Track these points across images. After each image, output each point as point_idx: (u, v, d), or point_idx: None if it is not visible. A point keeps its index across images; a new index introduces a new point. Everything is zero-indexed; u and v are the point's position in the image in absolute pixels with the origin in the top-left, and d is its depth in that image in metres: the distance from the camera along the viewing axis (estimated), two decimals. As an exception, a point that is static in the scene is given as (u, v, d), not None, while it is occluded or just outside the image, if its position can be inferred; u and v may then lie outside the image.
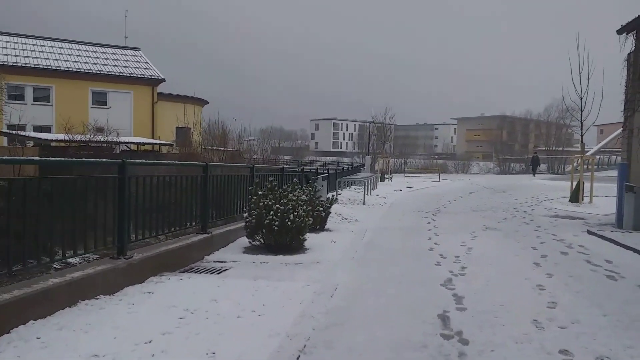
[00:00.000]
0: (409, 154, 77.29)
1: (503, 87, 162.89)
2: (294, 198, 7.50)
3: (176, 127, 35.36)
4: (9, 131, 21.88)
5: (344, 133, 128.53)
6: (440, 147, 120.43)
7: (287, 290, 5.00)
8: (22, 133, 24.17)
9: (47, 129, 33.24)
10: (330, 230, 9.78)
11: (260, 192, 7.36)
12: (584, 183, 16.51)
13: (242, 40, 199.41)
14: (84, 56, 36.52)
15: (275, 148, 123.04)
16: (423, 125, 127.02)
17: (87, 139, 23.94)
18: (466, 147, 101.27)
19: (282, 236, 7.14)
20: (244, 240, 7.65)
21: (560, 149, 72.40)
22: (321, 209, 9.57)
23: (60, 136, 24.08)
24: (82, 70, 34.66)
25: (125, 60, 38.42)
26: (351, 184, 17.92)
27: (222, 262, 6.69)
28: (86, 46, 38.60)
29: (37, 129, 32.05)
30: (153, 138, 36.14)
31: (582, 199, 16.44)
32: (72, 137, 23.15)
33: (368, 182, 18.30)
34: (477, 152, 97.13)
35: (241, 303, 4.52)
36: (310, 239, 8.34)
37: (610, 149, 52.97)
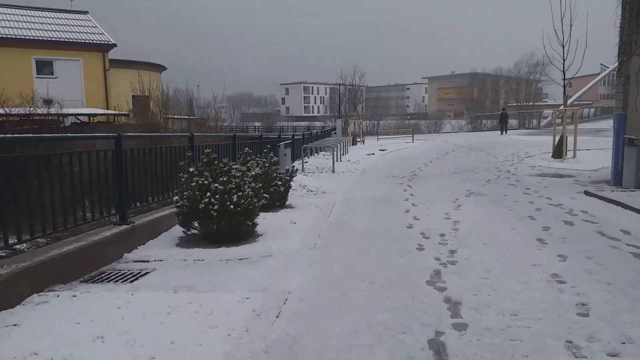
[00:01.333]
0: (381, 115, 75.97)
1: (474, 44, 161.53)
2: (238, 174, 5.94)
3: (132, 96, 32.89)
4: None
5: (315, 97, 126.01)
6: (412, 107, 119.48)
7: (216, 310, 3.53)
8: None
9: (-12, 104, 30.29)
10: (292, 207, 8.31)
11: (191, 169, 5.76)
12: (567, 137, 15.42)
13: (203, 1, 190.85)
14: (25, 22, 33.28)
15: (246, 115, 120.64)
16: (394, 85, 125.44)
17: (27, 112, 21.61)
18: (438, 106, 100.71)
19: (224, 223, 5.63)
20: (180, 229, 6.11)
21: (531, 104, 72.63)
22: (280, 182, 8.05)
23: (-4, 110, 21.66)
24: (23, 37, 31.54)
25: (72, 25, 35.25)
26: (320, 150, 16.44)
27: (144, 261, 5.16)
28: (27, 11, 35.19)
29: (-25, 103, 29.26)
30: (107, 108, 33.61)
31: (566, 154, 15.38)
32: (10, 110, 20.83)
33: (338, 147, 16.81)
34: (449, 110, 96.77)
35: (139, 340, 3.03)
36: (266, 220, 6.87)
37: (582, 102, 52.69)
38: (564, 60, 15.29)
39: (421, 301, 3.76)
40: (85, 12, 38.29)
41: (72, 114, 26.26)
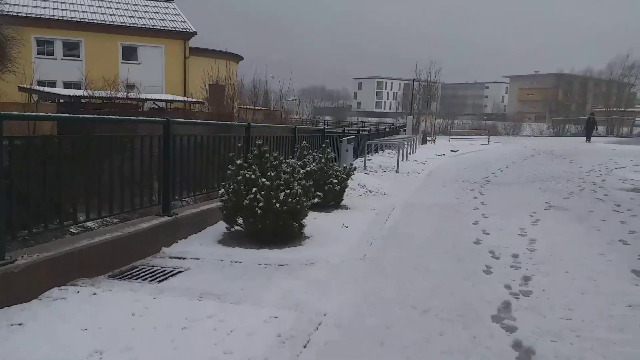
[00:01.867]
0: (456, 114, 73.22)
1: (561, 42, 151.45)
2: (288, 169, 5.46)
3: (209, 85, 33.71)
4: (23, 86, 20.82)
5: (388, 92, 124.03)
6: (490, 107, 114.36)
7: (237, 329, 3.05)
8: (38, 88, 23.02)
9: (77, 85, 32.33)
10: (347, 208, 7.74)
11: (239, 161, 5.35)
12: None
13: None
14: (114, 8, 34.99)
15: (317, 108, 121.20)
16: (473, 84, 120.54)
17: (109, 96, 22.60)
18: (518, 107, 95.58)
19: (269, 222, 5.17)
20: (224, 225, 5.73)
21: (622, 109, 67.01)
22: (335, 181, 7.49)
23: (79, 92, 22.85)
24: (112, 23, 33.22)
25: (157, 13, 36.69)
26: (385, 148, 15.69)
27: (181, 258, 4.81)
28: (114, -4, 36.99)
29: (67, 85, 31.20)
30: (185, 95, 34.66)
31: (667, 169, 13.59)
32: (92, 93, 21.86)
33: (405, 145, 15.98)
34: (530, 112, 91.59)
35: (141, 362, 2.61)
36: (317, 220, 6.36)
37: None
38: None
39: (484, 344, 3.06)
40: (171, 0, 39.58)
41: (149, 99, 27.21)
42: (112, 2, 35.91)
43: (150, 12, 36.57)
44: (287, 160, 7.54)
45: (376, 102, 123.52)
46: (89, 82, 22.83)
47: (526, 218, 7.33)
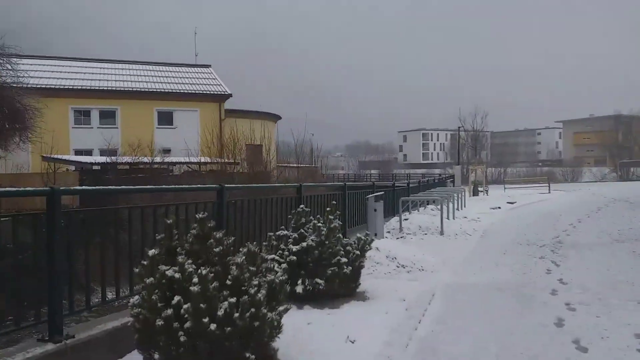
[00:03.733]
0: (508, 162, 69.57)
1: (615, 83, 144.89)
2: (247, 258, 3.33)
3: (245, 144, 32.82)
4: (46, 155, 20.27)
5: (434, 143, 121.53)
6: (544, 153, 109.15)
7: None
8: (62, 157, 22.48)
9: (113, 152, 32.11)
10: (365, 298, 5.43)
11: (152, 251, 3.29)
12: None
13: (321, 57, 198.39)
14: (150, 76, 35.39)
15: (363, 163, 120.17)
16: (523, 130, 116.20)
17: (135, 161, 21.67)
18: (575, 152, 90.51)
19: (203, 356, 3.00)
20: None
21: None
22: (345, 260, 5.26)
23: (102, 159, 22.12)
24: (146, 90, 33.37)
25: (192, 78, 36.86)
26: (428, 204, 13.30)
27: None
28: (153, 66, 37.63)
29: (103, 152, 31.11)
30: (221, 157, 33.84)
31: None
32: (116, 159, 21.02)
33: (452, 199, 13.52)
34: (588, 157, 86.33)
35: None
36: (311, 327, 4.17)
37: None
38: None
39: None
40: (208, 66, 39.91)
41: (176, 162, 26.29)
42: (149, 70, 36.51)
43: (186, 77, 36.80)
44: (277, 234, 5.46)
45: (423, 153, 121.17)
46: (125, 149, 22.29)
47: (636, 310, 4.76)
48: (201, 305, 2.98)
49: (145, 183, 16.01)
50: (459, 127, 34.60)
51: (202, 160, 30.51)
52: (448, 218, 11.56)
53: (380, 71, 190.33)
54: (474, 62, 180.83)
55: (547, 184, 27.00)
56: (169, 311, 3.00)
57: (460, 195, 16.07)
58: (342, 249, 5.36)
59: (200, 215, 3.57)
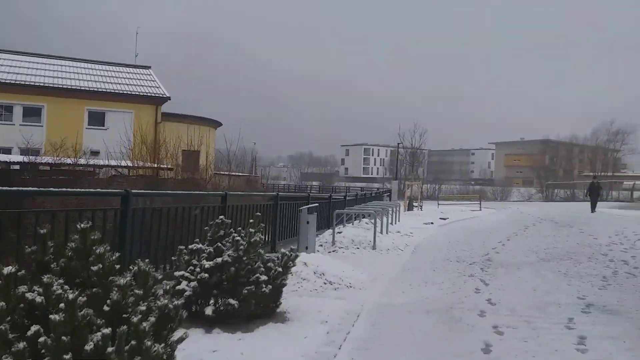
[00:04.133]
0: (443, 179, 72.00)
1: (544, 110, 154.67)
2: (136, 279, 2.79)
3: (183, 150, 31.57)
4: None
5: (375, 158, 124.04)
6: (477, 172, 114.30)
7: None
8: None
9: (35, 152, 29.84)
10: (285, 320, 4.96)
11: (34, 257, 2.70)
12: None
13: (266, 66, 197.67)
14: (83, 74, 33.35)
15: (305, 174, 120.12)
16: (458, 150, 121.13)
17: (57, 162, 20.07)
18: (505, 173, 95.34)
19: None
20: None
21: (610, 174, 67.14)
22: (264, 278, 4.78)
23: (19, 158, 20.40)
24: (77, 88, 31.38)
25: (129, 79, 35.13)
26: (363, 217, 13.10)
27: None
28: (87, 64, 35.55)
29: (23, 151, 28.83)
30: (155, 161, 32.36)
31: None
32: (35, 159, 19.39)
33: (387, 213, 13.40)
34: (517, 177, 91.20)
35: None
36: (216, 355, 3.61)
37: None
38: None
39: None
40: (148, 67, 38.26)
41: (103, 165, 24.76)
42: (82, 67, 34.48)
43: (123, 78, 35.05)
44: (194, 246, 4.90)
45: (363, 167, 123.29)
46: (48, 149, 20.61)
47: (564, 334, 4.62)
48: (64, 337, 2.41)
49: (67, 186, 14.77)
50: (398, 144, 35.18)
51: (131, 164, 28.99)
52: (382, 232, 11.38)
53: (327, 84, 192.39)
54: (416, 83, 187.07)
55: (479, 202, 27.86)
56: (21, 345, 2.40)
57: (395, 210, 16.04)
58: (262, 265, 4.89)
59: (82, 225, 2.99)
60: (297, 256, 5.26)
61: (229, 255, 4.73)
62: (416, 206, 25.97)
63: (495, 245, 11.43)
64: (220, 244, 4.92)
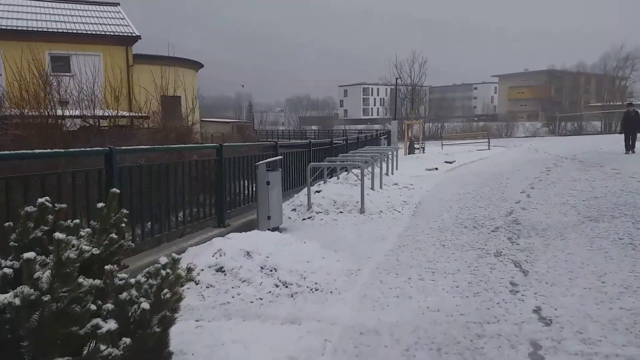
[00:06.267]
0: (445, 117, 68.81)
1: (550, 40, 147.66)
2: None
3: (162, 96, 28.63)
4: None
5: (374, 98, 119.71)
6: (480, 108, 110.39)
7: None
8: None
9: (-6, 105, 26.87)
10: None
11: None
12: None
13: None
14: (42, 13, 29.86)
15: (303, 118, 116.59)
16: (460, 85, 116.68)
17: (12, 114, 17.39)
18: (509, 107, 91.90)
19: None
20: None
21: (619, 103, 63.98)
22: (111, 327, 2.35)
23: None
24: (36, 29, 28.02)
25: (95, 17, 31.57)
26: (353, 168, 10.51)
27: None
28: (47, 2, 31.86)
29: (-19, 105, 26.03)
30: (130, 109, 29.56)
31: None
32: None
33: (381, 160, 10.88)
34: (522, 111, 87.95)
35: None
36: None
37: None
38: None
39: None
40: (116, 4, 34.50)
41: (67, 117, 22.02)
42: (41, 6, 30.84)
43: (88, 17, 31.46)
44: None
45: (363, 109, 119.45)
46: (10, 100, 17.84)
47: None
48: None
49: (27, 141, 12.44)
50: (397, 79, 32.03)
51: (103, 113, 26.20)
52: (373, 189, 8.90)
53: (322, 20, 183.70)
54: (416, 13, 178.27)
55: (487, 140, 25.23)
56: None
57: (392, 156, 13.50)
58: (111, 301, 2.44)
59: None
60: (191, 269, 2.78)
61: (43, 282, 2.27)
62: (417, 148, 23.40)
63: (519, 198, 8.98)
64: (35, 254, 2.44)
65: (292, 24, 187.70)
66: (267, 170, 6.52)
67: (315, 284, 4.35)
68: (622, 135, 16.56)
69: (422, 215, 7.67)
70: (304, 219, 7.43)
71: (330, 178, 10.28)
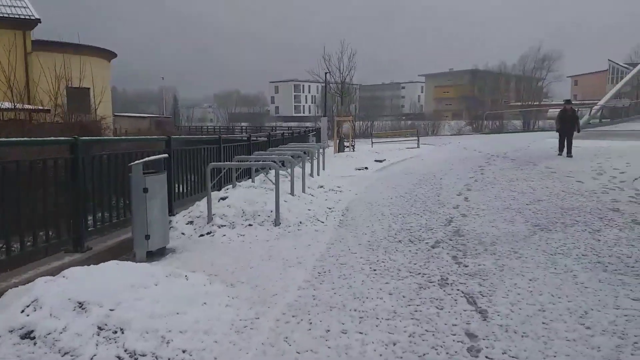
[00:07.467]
0: (375, 115, 69.01)
1: (476, 39, 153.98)
2: None
3: (67, 87, 25.47)
4: None
5: (306, 96, 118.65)
6: (408, 107, 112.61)
7: None
8: None
9: None
10: None
11: None
12: None
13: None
14: None
15: (233, 114, 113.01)
16: (389, 84, 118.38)
17: None
18: (434, 105, 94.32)
19: None
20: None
21: (536, 103, 67.28)
22: None
23: None
24: None
25: (-12, -2, 27.73)
26: (270, 169, 9.02)
27: None
28: None
29: None
30: (29, 101, 26.17)
31: None
32: None
33: (304, 160, 9.49)
34: (447, 110, 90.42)
35: None
36: None
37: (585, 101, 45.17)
38: None
39: None
40: (17, -16, 30.54)
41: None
42: None
43: (-22, -3, 27.57)
44: None
45: (295, 106, 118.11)
46: None
47: None
48: None
49: None
50: (326, 74, 30.88)
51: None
52: (293, 194, 7.48)
53: (253, 10, 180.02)
54: (348, 15, 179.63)
55: (417, 138, 24.69)
56: None
57: (318, 154, 12.16)
58: None
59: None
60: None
61: None
62: (348, 146, 22.34)
63: (457, 202, 7.92)
64: None
65: (225, 13, 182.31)
66: (144, 174, 4.88)
67: (183, 352, 2.84)
68: (557, 134, 15.31)
69: (350, 226, 6.34)
70: (201, 235, 5.86)
71: (244, 181, 8.74)
